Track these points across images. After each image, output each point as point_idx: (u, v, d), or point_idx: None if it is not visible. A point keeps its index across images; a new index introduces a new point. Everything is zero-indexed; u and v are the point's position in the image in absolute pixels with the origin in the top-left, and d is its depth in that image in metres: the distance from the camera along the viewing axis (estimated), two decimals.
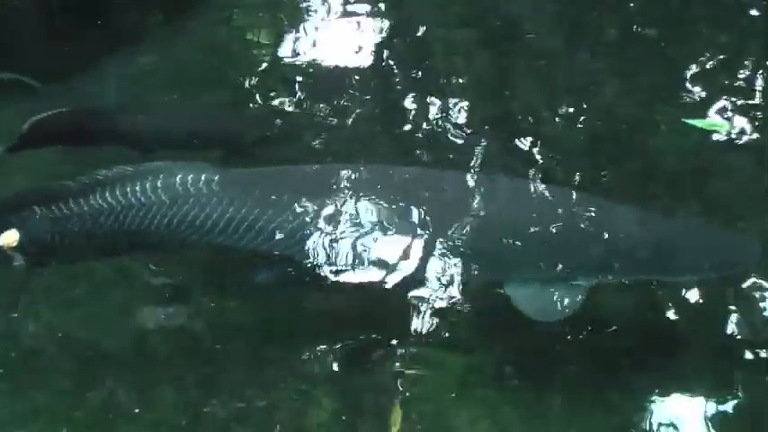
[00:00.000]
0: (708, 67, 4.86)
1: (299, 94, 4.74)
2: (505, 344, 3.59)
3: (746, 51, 5.00)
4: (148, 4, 5.33)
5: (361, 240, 3.52)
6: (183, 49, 5.08)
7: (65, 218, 3.69)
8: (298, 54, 5.00)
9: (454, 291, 3.56)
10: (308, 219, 3.56)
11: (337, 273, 3.52)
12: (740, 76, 4.80)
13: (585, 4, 5.23)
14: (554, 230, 3.50)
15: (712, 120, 3.93)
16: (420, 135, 4.42)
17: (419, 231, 3.50)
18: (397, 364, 3.51)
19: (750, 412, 3.40)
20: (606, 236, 3.49)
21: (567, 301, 3.42)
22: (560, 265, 3.47)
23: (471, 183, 3.75)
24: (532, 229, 3.50)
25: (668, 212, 3.92)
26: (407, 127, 4.47)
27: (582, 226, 3.52)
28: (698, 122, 3.99)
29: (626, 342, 3.55)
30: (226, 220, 3.61)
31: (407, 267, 3.50)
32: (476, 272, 3.56)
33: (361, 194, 3.60)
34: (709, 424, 3.34)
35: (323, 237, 3.52)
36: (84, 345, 3.58)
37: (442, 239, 3.49)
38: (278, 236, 3.57)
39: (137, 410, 3.36)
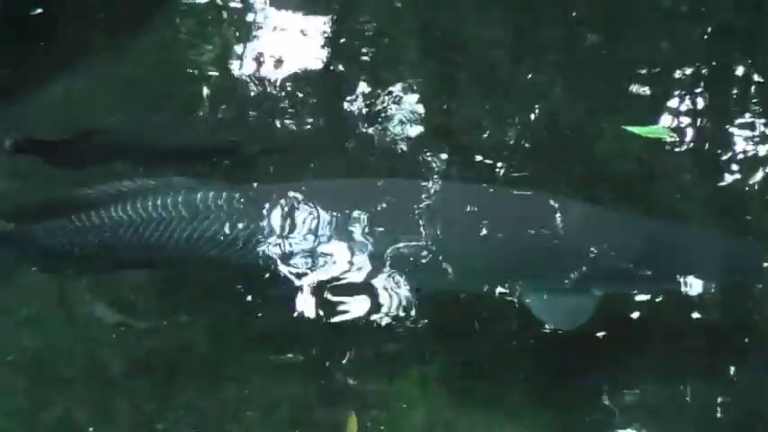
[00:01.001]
0: (651, 73, 4.93)
1: (250, 109, 4.75)
2: (458, 351, 3.62)
3: (689, 57, 5.08)
4: (92, 23, 5.29)
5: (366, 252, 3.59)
6: (128, 68, 5.04)
7: (84, 229, 3.68)
8: (247, 69, 4.99)
9: (409, 300, 3.60)
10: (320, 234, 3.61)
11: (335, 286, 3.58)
12: (682, 81, 4.88)
13: (528, 12, 5.28)
14: (566, 241, 3.58)
15: (653, 127, 3.93)
16: (370, 146, 4.44)
17: (418, 243, 3.56)
18: (352, 373, 3.53)
19: (695, 411, 3.49)
20: (619, 245, 3.57)
21: (581, 309, 3.49)
22: (574, 276, 3.55)
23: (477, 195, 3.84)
24: (543, 241, 3.58)
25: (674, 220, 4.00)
26: (357, 138, 4.50)
27: (595, 236, 3.61)
28: (637, 129, 4.00)
29: (576, 345, 3.58)
30: (246, 236, 3.63)
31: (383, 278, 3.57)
32: (480, 283, 3.62)
33: (378, 208, 3.67)
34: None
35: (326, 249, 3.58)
36: (35, 364, 3.56)
37: (443, 251, 3.56)
38: (295, 251, 3.61)
39: (92, 429, 3.34)
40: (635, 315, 3.72)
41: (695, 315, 3.71)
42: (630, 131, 4.01)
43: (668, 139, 3.92)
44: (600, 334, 3.59)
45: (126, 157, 4.24)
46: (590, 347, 3.58)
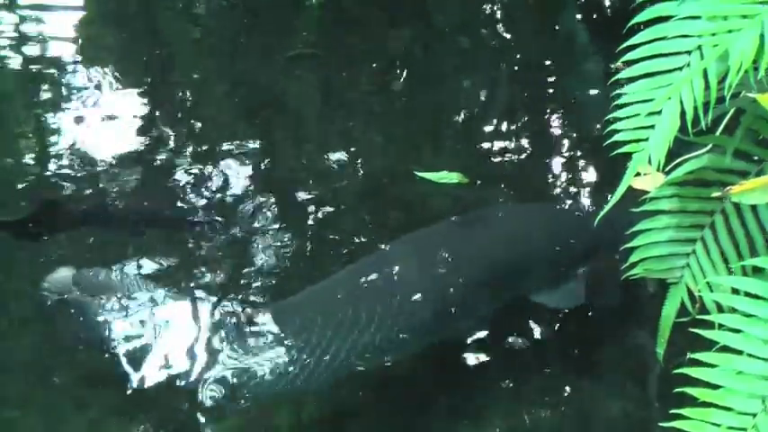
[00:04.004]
0: (457, 114, 5.12)
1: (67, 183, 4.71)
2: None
3: (494, 97, 5.29)
4: None
5: None
6: None
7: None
8: (62, 145, 4.92)
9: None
10: None
11: None
12: (488, 122, 5.07)
13: (333, 65, 5.41)
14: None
15: (444, 173, 3.99)
16: (194, 209, 4.49)
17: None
18: None
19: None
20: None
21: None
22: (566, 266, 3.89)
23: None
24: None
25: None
26: (185, 205, 4.53)
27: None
28: (428, 175, 4.04)
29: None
30: None
31: None
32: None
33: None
34: None
35: None
36: None
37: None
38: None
39: None
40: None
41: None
42: (421, 177, 4.08)
43: (461, 183, 3.99)
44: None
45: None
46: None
